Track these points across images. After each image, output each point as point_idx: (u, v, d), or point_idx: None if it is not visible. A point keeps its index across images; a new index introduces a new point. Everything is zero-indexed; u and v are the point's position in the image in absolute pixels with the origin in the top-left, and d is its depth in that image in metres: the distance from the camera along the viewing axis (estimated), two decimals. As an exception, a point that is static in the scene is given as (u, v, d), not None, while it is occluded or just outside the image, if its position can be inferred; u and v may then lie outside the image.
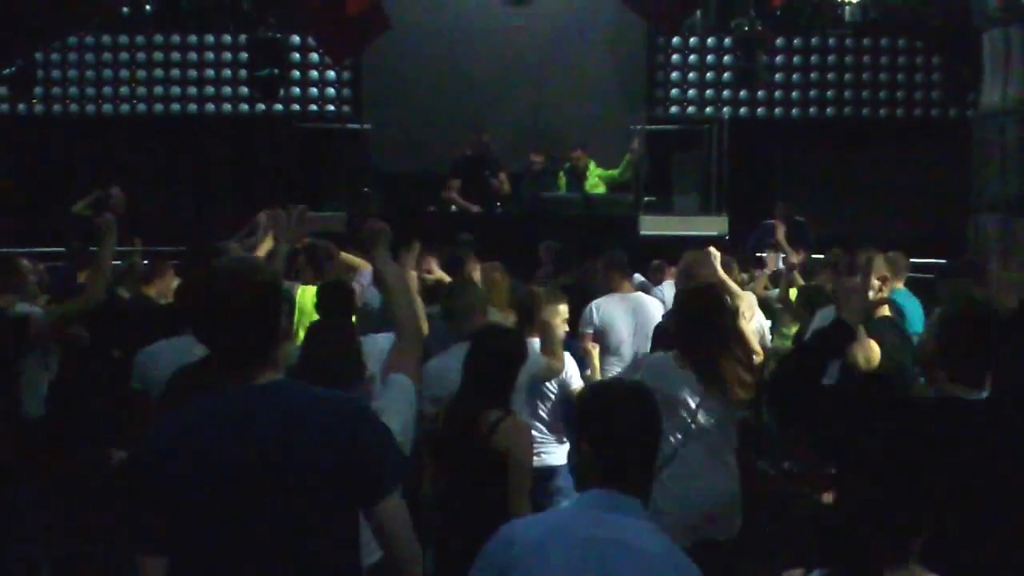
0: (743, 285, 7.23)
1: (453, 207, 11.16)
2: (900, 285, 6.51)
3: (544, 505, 4.36)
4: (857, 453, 2.36)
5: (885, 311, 4.68)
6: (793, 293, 7.52)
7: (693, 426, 4.06)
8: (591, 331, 5.95)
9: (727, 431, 4.17)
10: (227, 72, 13.03)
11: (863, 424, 2.59)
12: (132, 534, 2.31)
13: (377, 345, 4.66)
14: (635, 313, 6.11)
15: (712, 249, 5.79)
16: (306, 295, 5.81)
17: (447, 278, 6.13)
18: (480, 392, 3.73)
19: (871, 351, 3.83)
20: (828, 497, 4.58)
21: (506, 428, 3.63)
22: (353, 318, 5.03)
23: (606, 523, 2.27)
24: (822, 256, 8.25)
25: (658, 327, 5.62)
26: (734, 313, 4.44)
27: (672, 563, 2.26)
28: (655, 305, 6.32)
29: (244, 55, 12.70)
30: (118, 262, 6.95)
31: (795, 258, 8.10)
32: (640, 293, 6.57)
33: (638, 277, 7.45)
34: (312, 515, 2.24)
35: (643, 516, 2.32)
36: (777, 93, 12.98)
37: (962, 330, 2.90)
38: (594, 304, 6.11)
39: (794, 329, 7.33)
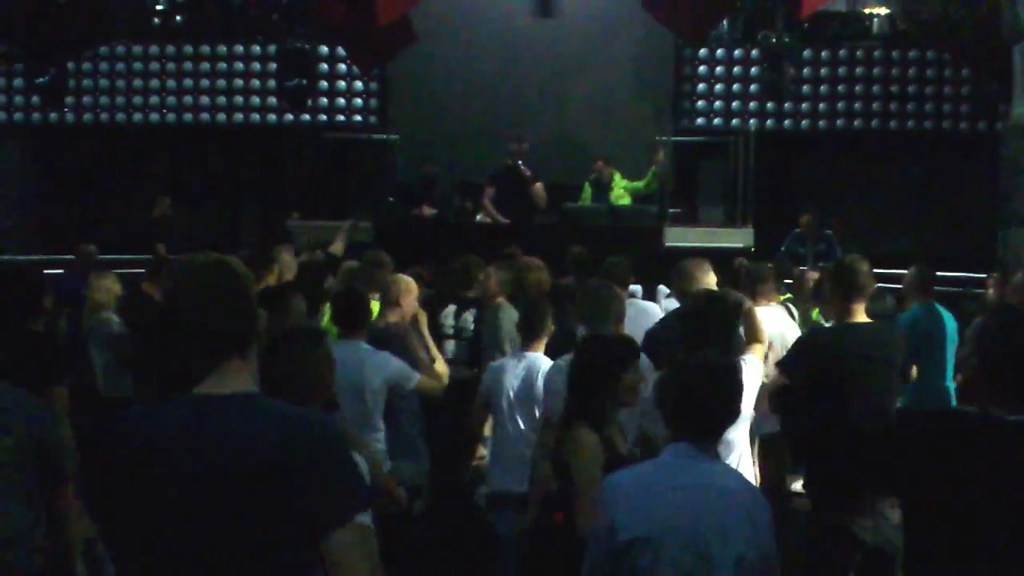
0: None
1: (479, 216, 11.19)
2: (926, 298, 6.51)
3: None
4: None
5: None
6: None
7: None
8: None
9: None
10: (256, 82, 13.12)
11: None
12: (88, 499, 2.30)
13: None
14: (634, 321, 6.11)
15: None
16: None
17: None
18: None
19: None
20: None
21: None
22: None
23: (694, 470, 2.83)
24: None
25: (648, 332, 5.55)
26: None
27: (748, 495, 2.90)
28: (657, 312, 6.32)
29: (273, 65, 12.79)
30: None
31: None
32: (642, 300, 6.60)
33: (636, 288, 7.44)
34: (263, 538, 2.14)
35: (717, 460, 2.95)
36: (804, 105, 12.93)
37: (1007, 348, 2.72)
38: None
39: None
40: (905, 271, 6.79)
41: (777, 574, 2.85)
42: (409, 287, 5.62)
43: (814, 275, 7.99)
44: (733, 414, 2.97)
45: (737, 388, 2.97)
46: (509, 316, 5.94)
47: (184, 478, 2.16)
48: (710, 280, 5.35)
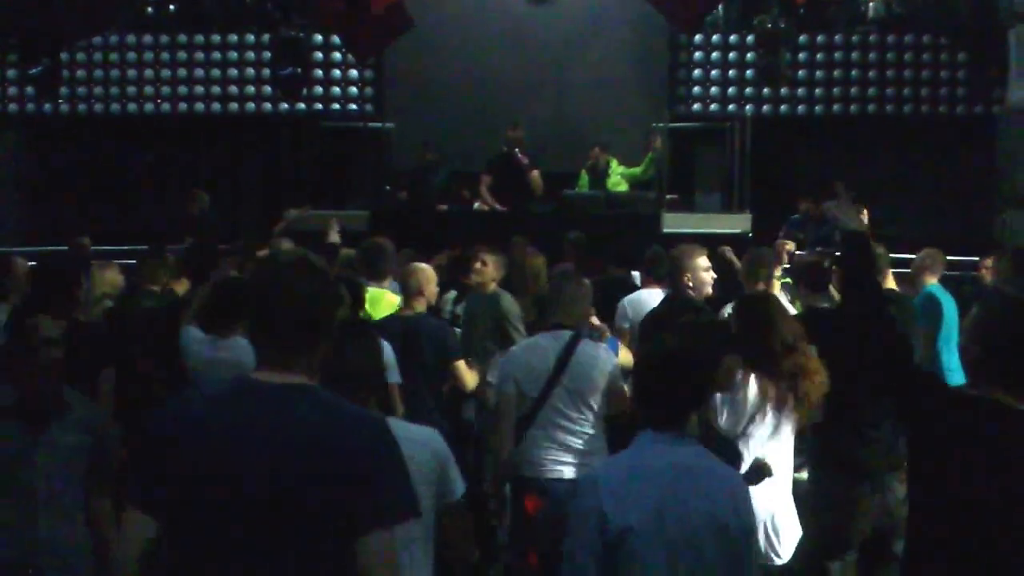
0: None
1: (477, 204, 11.18)
2: (935, 280, 6.56)
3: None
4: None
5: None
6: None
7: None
8: (627, 326, 6.01)
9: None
10: (250, 71, 13.08)
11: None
12: (128, 485, 2.32)
13: None
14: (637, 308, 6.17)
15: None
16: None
17: None
18: None
19: None
20: None
21: None
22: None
23: (672, 454, 2.89)
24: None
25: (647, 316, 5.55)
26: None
27: (726, 472, 3.00)
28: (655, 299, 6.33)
29: (267, 54, 12.74)
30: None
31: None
32: (643, 289, 6.63)
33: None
34: (303, 529, 2.14)
35: (688, 443, 2.96)
36: (800, 90, 12.91)
37: (1008, 335, 2.72)
38: (626, 300, 6.19)
39: None
40: (899, 255, 6.83)
41: (756, 546, 2.97)
42: (430, 276, 5.65)
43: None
44: (696, 397, 3.05)
45: (695, 372, 3.03)
46: (511, 301, 5.98)
47: (232, 463, 2.16)
48: (699, 265, 5.37)
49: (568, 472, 4.49)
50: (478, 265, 6.38)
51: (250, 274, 2.36)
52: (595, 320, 5.41)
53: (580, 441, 4.49)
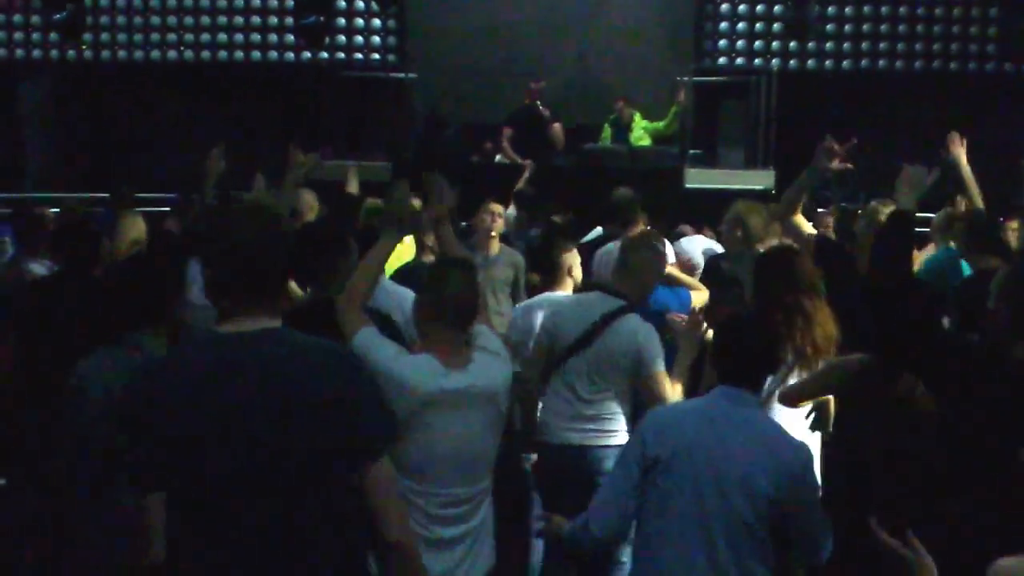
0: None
1: (498, 157, 11.13)
2: (953, 243, 6.48)
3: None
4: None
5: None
6: None
7: None
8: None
9: None
10: (273, 20, 13.00)
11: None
12: (131, 473, 2.31)
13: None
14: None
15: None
16: None
17: None
18: None
19: None
20: None
21: None
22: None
23: (730, 410, 3.00)
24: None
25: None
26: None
27: (783, 440, 3.00)
28: None
29: (290, 3, 12.65)
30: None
31: None
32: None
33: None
34: (305, 470, 2.17)
35: (754, 404, 3.07)
36: (828, 44, 12.72)
37: None
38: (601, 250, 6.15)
39: None
40: (930, 215, 6.74)
41: (799, 519, 2.94)
42: None
43: (830, 220, 7.94)
44: (768, 362, 3.15)
45: (769, 337, 3.16)
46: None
47: (223, 413, 2.17)
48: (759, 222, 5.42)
49: (576, 438, 4.40)
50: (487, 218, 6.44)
51: (202, 228, 2.36)
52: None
53: (592, 410, 4.40)
